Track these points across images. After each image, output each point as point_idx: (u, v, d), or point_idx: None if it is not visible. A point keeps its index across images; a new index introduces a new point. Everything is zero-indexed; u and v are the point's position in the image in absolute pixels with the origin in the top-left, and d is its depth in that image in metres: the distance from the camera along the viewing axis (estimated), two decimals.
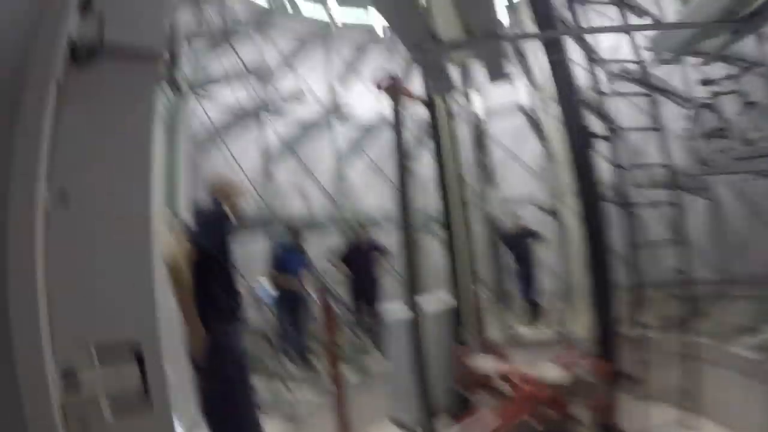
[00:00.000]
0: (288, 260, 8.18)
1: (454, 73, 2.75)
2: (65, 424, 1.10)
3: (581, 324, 5.34)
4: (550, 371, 4.94)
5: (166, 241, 3.06)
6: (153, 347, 1.28)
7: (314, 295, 8.39)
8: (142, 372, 1.24)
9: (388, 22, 2.07)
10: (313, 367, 7.88)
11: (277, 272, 7.88)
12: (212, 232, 3.25)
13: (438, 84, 2.88)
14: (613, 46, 9.29)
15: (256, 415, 3.56)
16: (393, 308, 6.47)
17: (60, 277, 1.18)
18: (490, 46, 2.14)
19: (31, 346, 1.06)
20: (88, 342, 1.21)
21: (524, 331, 9.88)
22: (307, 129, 10.53)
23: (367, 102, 12.39)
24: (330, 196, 12.13)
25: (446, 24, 1.96)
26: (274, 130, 11.28)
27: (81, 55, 1.26)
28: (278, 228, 8.46)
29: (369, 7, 10.70)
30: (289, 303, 8.14)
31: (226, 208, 3.46)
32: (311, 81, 11.89)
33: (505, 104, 11.05)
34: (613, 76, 8.48)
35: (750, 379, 6.08)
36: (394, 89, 6.08)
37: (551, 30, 4.92)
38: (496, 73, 2.72)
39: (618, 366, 4.88)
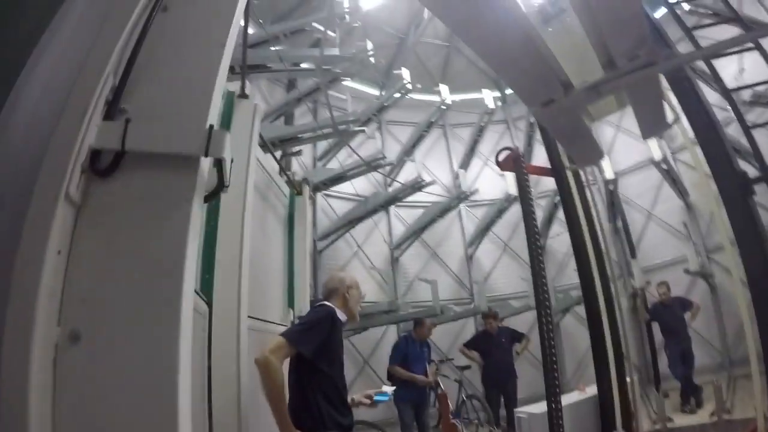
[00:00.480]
0: (413, 353, 7.94)
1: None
2: None
3: (745, 404, 4.48)
4: None
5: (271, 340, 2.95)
6: None
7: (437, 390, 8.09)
8: None
9: (504, 78, 1.54)
10: None
11: (401, 366, 7.65)
12: (311, 330, 3.05)
13: (579, 150, 2.17)
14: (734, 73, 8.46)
15: None
16: (529, 407, 5.91)
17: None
18: (646, 88, 1.53)
19: None
20: None
21: (683, 418, 8.70)
22: (434, 215, 10.46)
23: (490, 181, 12.26)
24: (460, 281, 11.90)
25: (576, 66, 1.44)
26: (401, 221, 11.41)
27: (103, 164, 1.15)
28: (403, 318, 8.28)
29: (481, 90, 10.73)
30: (408, 397, 7.83)
31: (335, 307, 3.29)
32: (432, 167, 11.96)
33: (633, 159, 10.22)
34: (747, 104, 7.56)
35: None
36: (515, 163, 5.87)
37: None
38: (654, 126, 1.99)
39: None
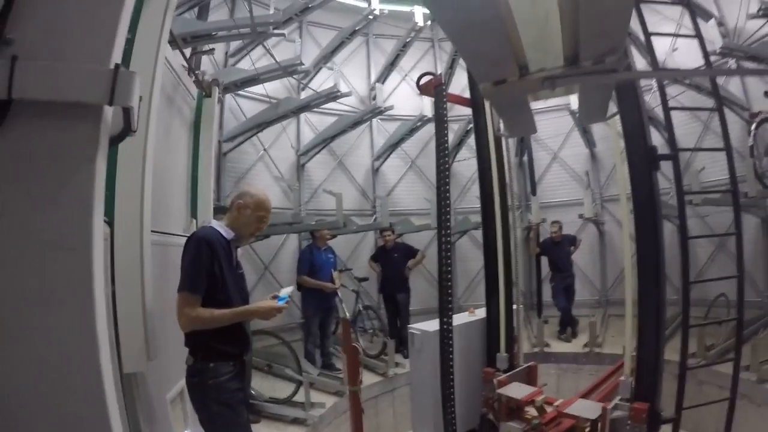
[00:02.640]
0: (319, 261, 8.06)
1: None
2: None
3: (615, 341, 4.95)
4: (584, 407, 4.66)
5: None
6: None
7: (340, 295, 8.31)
8: None
9: (462, 54, 1.42)
10: (336, 370, 7.75)
11: (307, 274, 7.73)
12: (196, 270, 2.96)
13: (514, 124, 2.19)
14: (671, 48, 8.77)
15: None
16: (421, 324, 6.19)
17: None
18: (602, 85, 1.53)
19: None
20: None
21: (559, 345, 9.52)
22: (345, 125, 10.24)
23: (406, 98, 12.17)
24: (365, 193, 11.94)
25: (536, 52, 1.36)
26: (311, 127, 11.11)
27: None
28: (305, 229, 8.29)
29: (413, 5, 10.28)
30: (317, 305, 8.04)
31: (219, 226, 3.22)
32: (349, 74, 11.61)
33: (554, 103, 10.40)
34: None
35: None
36: (436, 90, 5.81)
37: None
38: (594, 116, 2.06)
39: (656, 407, 4.48)
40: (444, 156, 5.76)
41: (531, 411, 5.08)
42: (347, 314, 8.43)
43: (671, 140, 4.99)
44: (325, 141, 10.55)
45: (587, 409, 4.55)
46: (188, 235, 3.22)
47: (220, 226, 3.22)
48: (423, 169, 12.56)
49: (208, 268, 2.99)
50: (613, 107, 4.27)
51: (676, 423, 4.79)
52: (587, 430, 4.46)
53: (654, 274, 4.60)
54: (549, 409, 4.85)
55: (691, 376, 6.69)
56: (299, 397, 6.49)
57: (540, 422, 4.55)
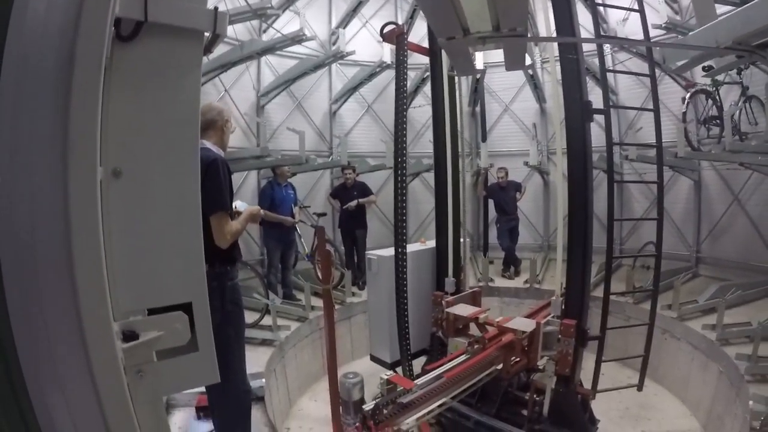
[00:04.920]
0: (279, 197, 8.41)
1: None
2: (125, 369, 1.30)
3: (554, 280, 5.64)
4: (521, 323, 5.30)
5: None
6: (201, 303, 1.52)
7: (301, 231, 8.75)
8: (192, 323, 1.50)
9: (427, 15, 2.37)
10: (297, 300, 8.25)
11: (269, 210, 8.07)
12: (225, 190, 3.30)
13: (461, 67, 3.20)
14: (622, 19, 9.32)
15: (243, 349, 3.79)
16: (378, 251, 6.74)
17: (119, 246, 1.35)
18: (515, 43, 2.48)
19: (97, 311, 1.22)
20: (145, 303, 1.43)
21: (502, 281, 10.28)
22: (306, 68, 10.46)
23: (365, 43, 12.43)
24: (322, 134, 12.26)
25: (476, 20, 2.26)
26: (272, 69, 11.24)
27: (125, 31, 1.36)
28: (269, 165, 8.59)
29: None
30: (278, 238, 8.42)
31: (211, 144, 3.51)
32: (310, 18, 11.75)
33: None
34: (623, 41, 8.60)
35: (702, 355, 6.61)
36: (398, 39, 6.21)
37: (569, 31, 5.12)
38: (514, 65, 3.02)
39: (583, 325, 5.20)
40: (403, 99, 6.24)
41: (475, 331, 5.74)
42: (306, 249, 8.97)
43: (605, 97, 5.63)
44: (286, 83, 10.76)
45: (524, 324, 5.22)
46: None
47: (212, 146, 3.52)
48: (379, 113, 12.94)
49: (230, 187, 3.41)
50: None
51: (601, 341, 5.55)
52: (525, 342, 5.09)
53: (583, 205, 5.32)
54: (490, 329, 5.47)
55: (621, 312, 7.63)
56: (266, 321, 7.02)
57: (483, 336, 5.14)
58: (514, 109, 13.04)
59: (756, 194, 9.13)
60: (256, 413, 4.69)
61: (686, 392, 6.97)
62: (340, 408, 4.60)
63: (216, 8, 1.49)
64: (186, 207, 1.50)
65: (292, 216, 8.49)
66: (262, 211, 3.91)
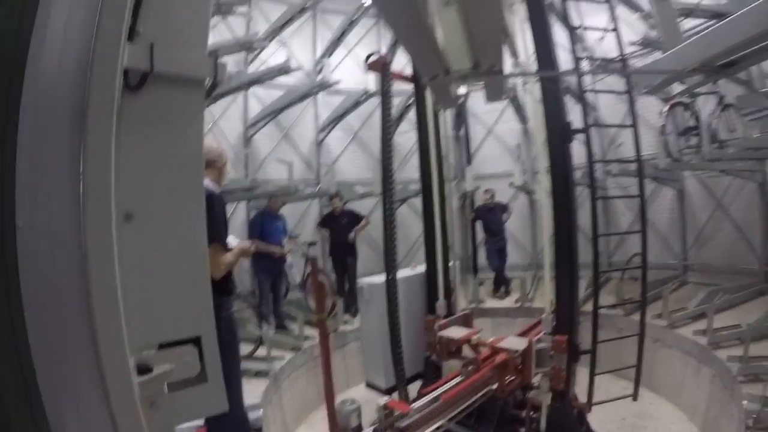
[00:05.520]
0: (269, 228, 8.44)
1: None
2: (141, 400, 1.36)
3: (545, 298, 5.74)
4: (513, 341, 5.38)
5: None
6: (210, 336, 1.63)
7: (291, 261, 8.77)
8: (201, 355, 1.58)
9: (410, 57, 2.61)
10: (290, 331, 8.26)
11: (257, 238, 8.08)
12: (220, 224, 3.57)
13: (445, 102, 3.53)
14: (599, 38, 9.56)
15: (239, 379, 3.87)
16: (369, 279, 6.80)
17: (132, 285, 1.41)
18: (494, 79, 2.69)
19: (113, 345, 1.29)
20: (158, 338, 1.49)
21: (493, 302, 10.36)
22: (293, 99, 10.60)
23: (350, 72, 12.58)
24: (309, 163, 12.35)
25: (457, 59, 2.47)
26: (259, 100, 11.37)
27: (133, 81, 1.45)
28: (259, 196, 8.65)
29: None
30: (268, 269, 8.43)
31: (209, 180, 3.68)
32: (295, 49, 11.92)
33: None
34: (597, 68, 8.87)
35: (694, 361, 6.71)
36: (383, 68, 6.35)
37: (548, 65, 5.35)
38: (493, 97, 3.27)
39: (574, 340, 5.28)
40: (389, 128, 6.36)
41: (468, 353, 5.79)
42: (298, 279, 8.98)
43: (584, 117, 5.83)
44: (272, 113, 10.88)
45: (516, 342, 5.29)
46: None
47: (210, 182, 3.70)
48: (365, 141, 13.02)
49: (224, 220, 3.66)
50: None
51: (593, 354, 5.64)
52: (518, 361, 5.14)
53: (567, 223, 5.46)
54: (483, 349, 5.53)
55: (612, 324, 7.72)
56: (260, 353, 7.04)
57: (476, 357, 5.20)
58: (498, 131, 13.26)
59: (738, 199, 9.37)
60: None
61: (681, 398, 7.07)
62: None
63: (216, 57, 1.58)
64: (193, 245, 1.59)
65: (281, 246, 8.53)
66: (252, 246, 4.04)
